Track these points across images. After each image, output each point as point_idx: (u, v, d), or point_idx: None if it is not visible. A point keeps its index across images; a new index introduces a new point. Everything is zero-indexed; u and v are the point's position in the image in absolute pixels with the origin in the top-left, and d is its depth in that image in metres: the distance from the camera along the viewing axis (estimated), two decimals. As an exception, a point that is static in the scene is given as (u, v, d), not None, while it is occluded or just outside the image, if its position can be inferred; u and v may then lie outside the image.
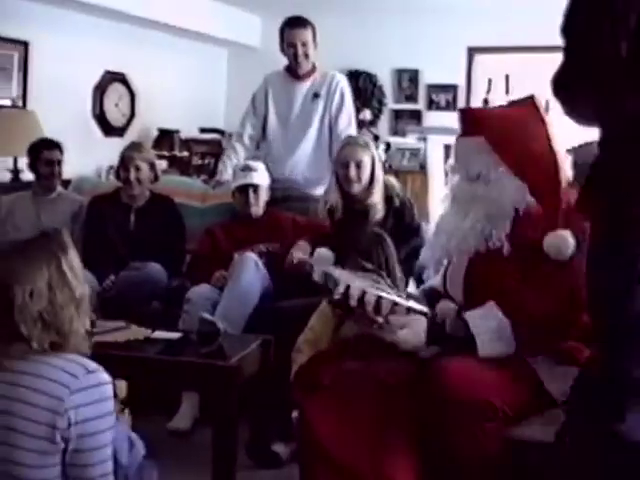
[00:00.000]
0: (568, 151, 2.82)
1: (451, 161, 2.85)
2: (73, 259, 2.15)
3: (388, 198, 4.24)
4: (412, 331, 2.54)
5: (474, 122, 2.69)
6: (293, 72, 4.96)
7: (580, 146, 3.12)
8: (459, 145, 2.76)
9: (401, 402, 2.55)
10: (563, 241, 2.56)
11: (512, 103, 2.86)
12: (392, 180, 4.45)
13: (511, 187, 2.62)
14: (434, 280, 3.06)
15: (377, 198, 4.19)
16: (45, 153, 4.83)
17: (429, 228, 4.02)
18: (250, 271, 4.09)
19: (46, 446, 2.00)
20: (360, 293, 2.56)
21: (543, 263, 2.58)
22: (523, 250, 2.61)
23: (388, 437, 2.52)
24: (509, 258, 2.62)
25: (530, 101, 2.74)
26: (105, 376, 2.10)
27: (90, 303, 2.20)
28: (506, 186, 2.62)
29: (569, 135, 2.87)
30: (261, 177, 4.55)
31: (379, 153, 4.35)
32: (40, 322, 2.06)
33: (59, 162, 4.86)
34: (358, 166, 4.15)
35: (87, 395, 2.03)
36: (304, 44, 4.85)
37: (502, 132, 2.64)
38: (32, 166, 4.94)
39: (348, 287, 2.58)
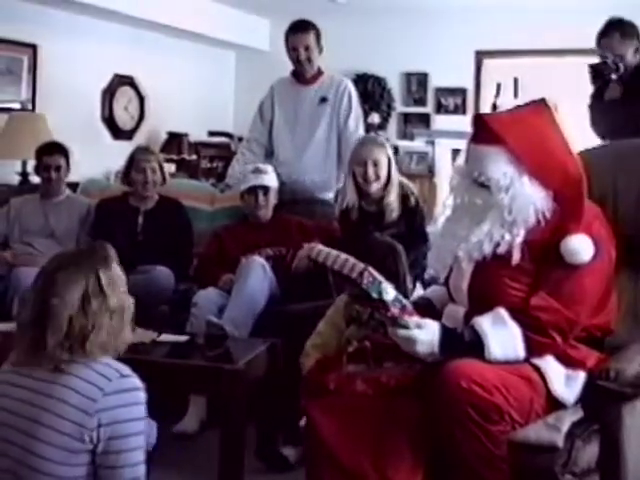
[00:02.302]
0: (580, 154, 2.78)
1: (459, 163, 2.81)
2: (113, 272, 2.22)
3: (404, 197, 4.24)
4: (427, 332, 2.53)
5: (492, 131, 2.61)
6: (299, 76, 4.96)
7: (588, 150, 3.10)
8: (473, 152, 2.69)
9: (404, 405, 2.55)
10: (582, 245, 2.54)
11: (524, 106, 2.80)
12: (405, 180, 4.45)
13: (535, 196, 2.59)
14: (429, 290, 3.05)
15: (393, 197, 4.19)
16: (44, 159, 4.81)
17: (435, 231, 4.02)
18: (257, 275, 4.09)
19: (73, 444, 2.05)
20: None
21: (556, 265, 2.56)
22: (532, 255, 2.59)
23: (392, 440, 2.52)
24: (518, 264, 2.60)
25: (542, 104, 2.71)
26: (138, 382, 2.15)
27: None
28: (531, 195, 2.59)
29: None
30: (271, 179, 4.56)
31: (392, 154, 4.34)
32: (67, 330, 2.12)
33: (58, 167, 4.80)
34: (375, 165, 4.16)
35: (120, 398, 2.09)
36: (306, 48, 4.85)
37: (523, 141, 2.59)
38: (36, 170, 4.95)
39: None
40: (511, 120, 2.71)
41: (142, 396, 2.14)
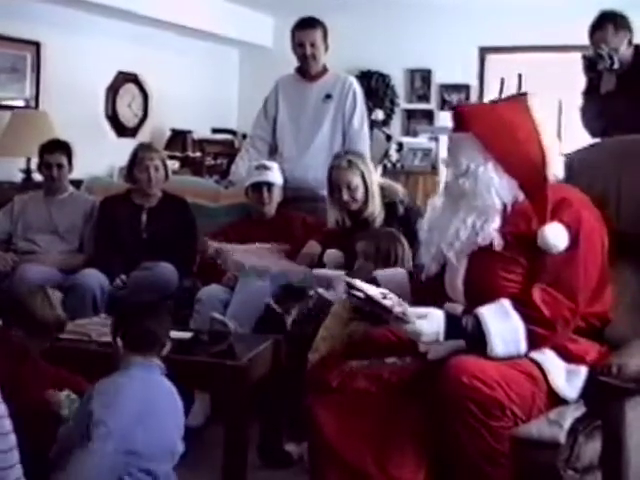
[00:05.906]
0: (566, 155, 2.82)
1: (445, 156, 2.87)
2: None
3: (390, 205, 4.20)
4: (430, 322, 2.53)
5: (463, 118, 2.70)
6: (304, 73, 4.96)
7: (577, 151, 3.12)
8: (450, 140, 2.78)
9: (407, 402, 2.56)
10: (555, 234, 2.56)
11: (503, 99, 2.91)
12: (395, 185, 4.40)
13: (499, 182, 2.63)
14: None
15: (374, 208, 4.14)
16: (46, 156, 4.80)
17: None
18: (261, 271, 4.10)
19: None
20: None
21: (539, 258, 2.57)
22: (518, 246, 2.61)
23: (395, 437, 2.52)
24: (504, 255, 2.61)
25: (521, 98, 2.76)
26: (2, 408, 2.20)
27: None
28: (494, 181, 2.63)
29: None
30: (275, 176, 4.58)
31: (369, 165, 4.26)
32: None
33: (60, 165, 4.77)
34: (349, 187, 4.12)
35: None
36: (312, 44, 4.85)
37: (490, 128, 2.65)
38: (39, 168, 4.95)
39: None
40: (482, 109, 2.86)
41: (8, 425, 2.21)
